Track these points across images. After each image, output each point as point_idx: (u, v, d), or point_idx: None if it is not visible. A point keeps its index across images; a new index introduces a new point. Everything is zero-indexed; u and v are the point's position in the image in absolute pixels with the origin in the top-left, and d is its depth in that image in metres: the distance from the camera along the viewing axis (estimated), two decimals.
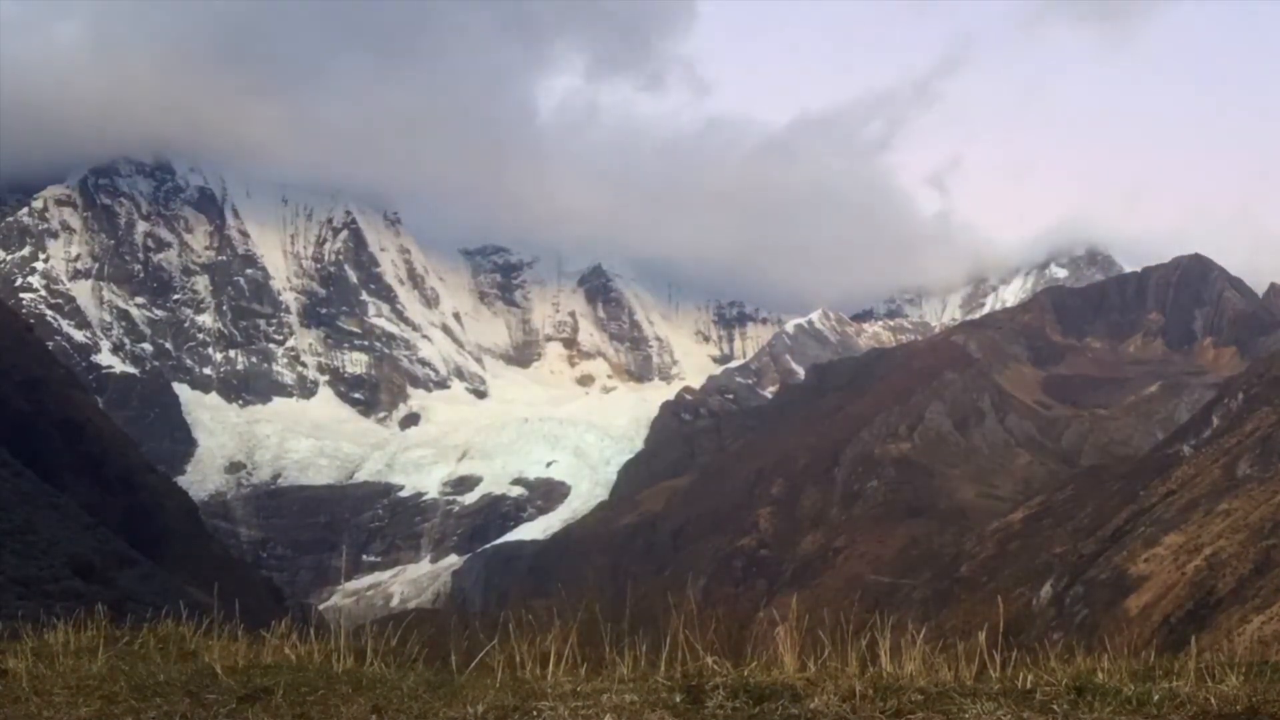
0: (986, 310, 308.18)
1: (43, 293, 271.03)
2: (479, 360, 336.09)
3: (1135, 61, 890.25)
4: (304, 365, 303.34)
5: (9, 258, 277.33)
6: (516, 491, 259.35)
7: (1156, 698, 6.70)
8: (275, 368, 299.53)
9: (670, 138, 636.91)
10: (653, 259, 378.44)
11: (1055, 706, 6.61)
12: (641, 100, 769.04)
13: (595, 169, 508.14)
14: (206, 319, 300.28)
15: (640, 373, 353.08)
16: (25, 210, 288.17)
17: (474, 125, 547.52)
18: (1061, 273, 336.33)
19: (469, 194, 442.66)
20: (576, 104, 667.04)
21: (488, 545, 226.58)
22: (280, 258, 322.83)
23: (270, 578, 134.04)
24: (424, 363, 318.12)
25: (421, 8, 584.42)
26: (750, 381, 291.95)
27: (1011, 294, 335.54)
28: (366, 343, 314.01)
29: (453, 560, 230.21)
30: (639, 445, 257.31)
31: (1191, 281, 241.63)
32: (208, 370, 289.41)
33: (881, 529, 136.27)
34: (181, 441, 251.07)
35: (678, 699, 6.83)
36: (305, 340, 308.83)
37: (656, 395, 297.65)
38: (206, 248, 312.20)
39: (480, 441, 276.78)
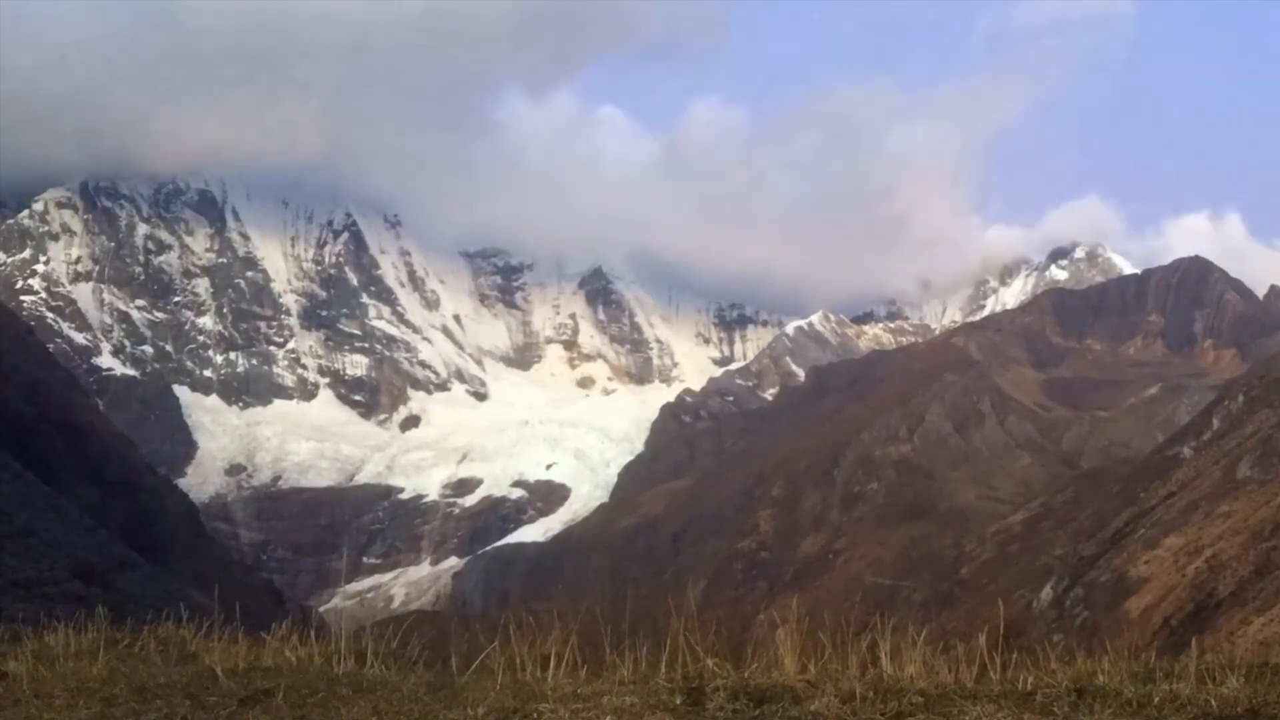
0: (987, 312, 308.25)
1: (43, 295, 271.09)
2: (479, 362, 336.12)
3: (1135, 62, 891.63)
4: (304, 367, 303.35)
5: (9, 260, 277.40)
6: (517, 494, 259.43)
7: (1157, 700, 6.70)
8: (276, 370, 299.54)
9: (670, 138, 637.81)
10: (653, 261, 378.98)
11: (1056, 708, 6.62)
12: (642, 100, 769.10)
13: (596, 171, 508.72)
14: (207, 321, 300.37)
15: (640, 375, 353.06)
16: (26, 213, 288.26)
17: (475, 127, 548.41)
18: (1062, 274, 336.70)
19: (469, 196, 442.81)
20: (578, 106, 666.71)
21: (488, 547, 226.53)
22: (281, 260, 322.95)
23: (271, 580, 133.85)
24: (424, 365, 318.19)
25: (422, 8, 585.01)
26: (750, 384, 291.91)
27: (1012, 296, 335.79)
28: (367, 345, 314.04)
29: (453, 562, 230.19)
30: (639, 447, 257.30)
31: (1191, 283, 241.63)
32: (208, 372, 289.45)
33: (882, 531, 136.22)
34: (182, 444, 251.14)
35: (678, 701, 6.84)
36: (305, 342, 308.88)
37: (657, 397, 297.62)
38: (207, 250, 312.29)
39: (480, 444, 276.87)
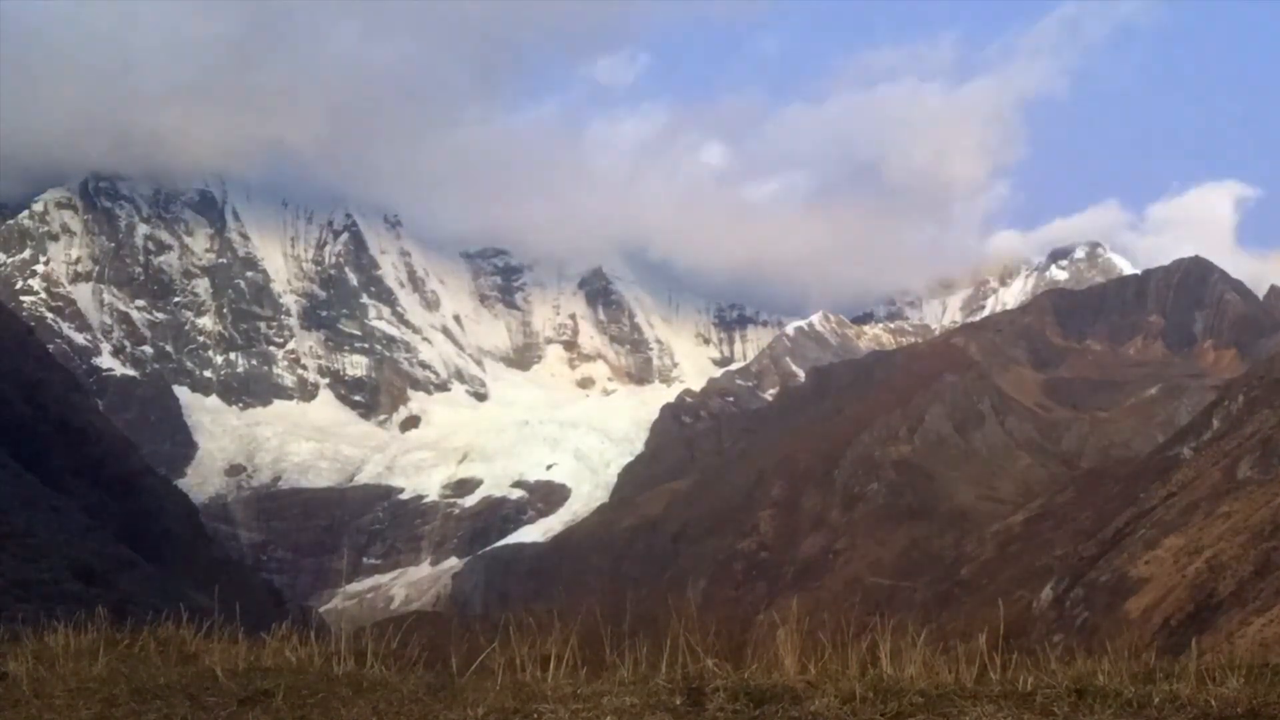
0: (987, 313, 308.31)
1: (43, 295, 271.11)
2: (479, 363, 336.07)
3: (1132, 61, 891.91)
4: (304, 368, 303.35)
5: (9, 260, 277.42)
6: (517, 494, 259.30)
7: (1157, 700, 6.69)
8: (275, 370, 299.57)
9: (670, 139, 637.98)
10: (653, 261, 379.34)
11: (1056, 709, 6.61)
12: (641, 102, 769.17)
13: (596, 172, 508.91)
14: (207, 322, 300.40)
15: (641, 375, 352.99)
16: (26, 213, 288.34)
17: (475, 127, 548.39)
18: (1062, 275, 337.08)
19: (469, 196, 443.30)
20: (577, 107, 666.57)
21: (488, 548, 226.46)
22: (280, 260, 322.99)
23: (270, 580, 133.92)
24: (424, 365, 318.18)
25: (422, 8, 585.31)
26: (750, 384, 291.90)
27: (1012, 296, 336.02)
28: (367, 345, 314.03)
29: (453, 563, 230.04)
30: (639, 448, 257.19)
31: (1191, 284, 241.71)
32: (208, 373, 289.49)
33: (882, 531, 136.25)
34: (182, 444, 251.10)
35: (678, 701, 6.83)
36: (305, 343, 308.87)
37: (657, 398, 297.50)
38: (207, 250, 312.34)
39: (480, 444, 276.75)
